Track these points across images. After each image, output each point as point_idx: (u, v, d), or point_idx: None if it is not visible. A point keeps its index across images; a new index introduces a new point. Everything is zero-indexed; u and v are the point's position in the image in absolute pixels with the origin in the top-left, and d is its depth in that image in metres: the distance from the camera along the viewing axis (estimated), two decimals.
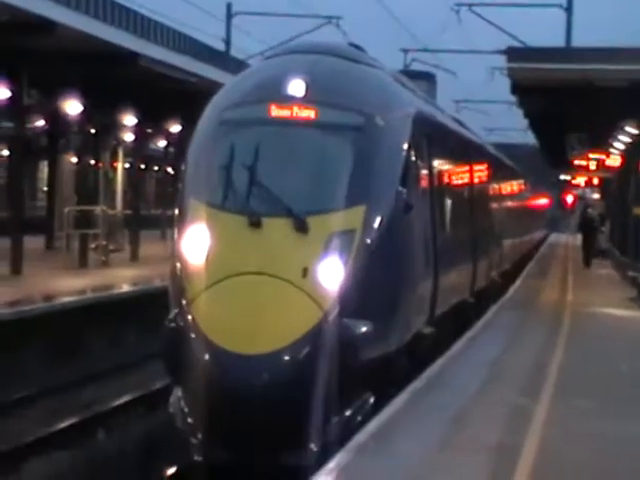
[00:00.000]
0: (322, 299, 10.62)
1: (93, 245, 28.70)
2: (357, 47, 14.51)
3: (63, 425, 15.27)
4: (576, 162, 41.07)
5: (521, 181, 44.18)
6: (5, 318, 17.54)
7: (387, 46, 40.03)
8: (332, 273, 10.79)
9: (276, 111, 11.72)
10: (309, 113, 11.71)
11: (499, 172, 31.58)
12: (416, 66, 38.65)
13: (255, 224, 10.94)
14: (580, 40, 39.15)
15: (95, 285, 22.12)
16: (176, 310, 10.97)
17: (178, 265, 11.33)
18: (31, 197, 39.02)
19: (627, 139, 30.34)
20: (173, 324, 10.84)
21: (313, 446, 10.19)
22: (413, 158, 12.93)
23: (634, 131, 28.36)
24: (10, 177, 28.56)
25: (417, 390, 12.61)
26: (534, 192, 59.28)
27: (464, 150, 21.67)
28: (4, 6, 18.28)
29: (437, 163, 15.94)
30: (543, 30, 39.74)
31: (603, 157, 36.39)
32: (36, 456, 13.92)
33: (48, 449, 14.15)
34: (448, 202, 17.88)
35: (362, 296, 11.04)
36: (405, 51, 43.27)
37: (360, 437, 9.97)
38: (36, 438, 14.46)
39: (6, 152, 29.77)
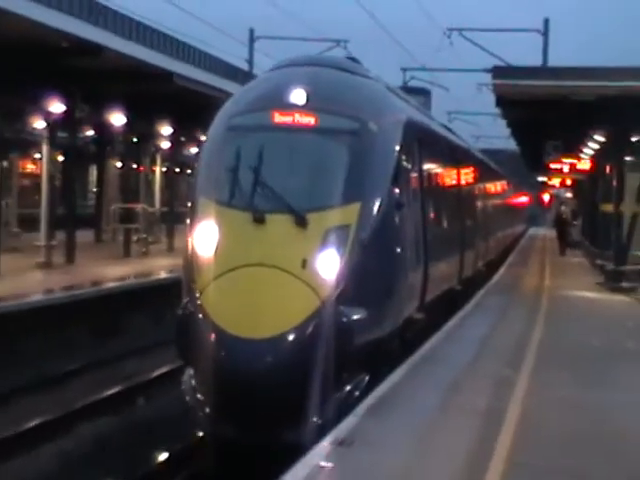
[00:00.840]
0: (320, 288, 10.28)
1: (135, 238, 28.71)
2: (353, 60, 14.15)
3: (109, 393, 15.29)
4: (552, 166, 40.60)
5: (504, 182, 43.93)
6: (61, 301, 17.58)
7: (389, 65, 39.93)
8: (329, 264, 10.46)
9: (279, 118, 11.41)
10: (309, 119, 11.38)
11: (484, 173, 31.01)
12: (414, 83, 38.40)
13: (259, 220, 10.64)
14: (555, 59, 38.92)
15: (137, 272, 22.15)
16: (187, 298, 10.71)
17: (189, 257, 11.06)
18: (82, 197, 38.95)
19: (595, 146, 30.10)
20: (185, 311, 10.57)
21: (311, 423, 9.84)
22: (404, 160, 12.59)
23: (601, 139, 28.09)
24: (64, 179, 28.49)
25: (415, 363, 12.51)
26: (516, 191, 58.91)
27: (452, 153, 21.09)
28: (61, 34, 18.32)
29: (427, 164, 15.45)
30: (523, 51, 39.53)
31: (575, 161, 35.97)
32: (85, 420, 13.95)
33: (95, 414, 14.16)
34: (438, 200, 17.44)
35: (357, 285, 10.67)
36: (404, 70, 43.04)
37: (369, 401, 9.93)
38: (85, 404, 14.49)
39: (61, 158, 29.68)
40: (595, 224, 37.81)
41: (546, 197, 77.57)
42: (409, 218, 12.71)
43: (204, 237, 10.75)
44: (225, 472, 10.15)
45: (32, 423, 13.24)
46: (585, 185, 44.76)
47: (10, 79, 20.46)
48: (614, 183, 28.38)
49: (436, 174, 17.52)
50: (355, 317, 10.41)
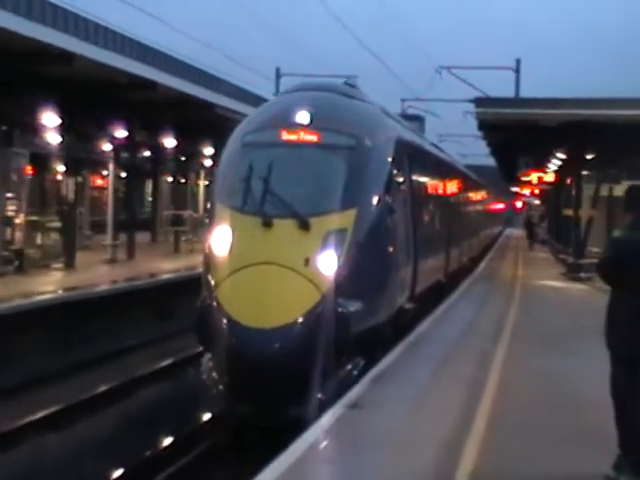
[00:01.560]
0: (320, 283, 9.79)
1: (183, 238, 28.63)
2: (352, 86, 13.44)
3: (163, 364, 15.28)
4: (523, 178, 40.07)
5: (484, 191, 43.47)
6: (124, 290, 17.61)
7: (390, 96, 39.61)
8: (328, 262, 9.96)
9: (286, 135, 10.89)
10: (313, 137, 10.84)
11: (468, 183, 30.44)
12: (411, 111, 37.97)
13: (267, 224, 10.15)
14: (527, 90, 38.74)
15: (185, 266, 22.08)
16: (206, 292, 10.24)
17: (207, 256, 10.60)
18: (140, 205, 38.85)
19: (558, 162, 29.75)
20: (203, 303, 10.12)
21: (314, 400, 9.31)
22: (396, 171, 12.05)
23: (563, 156, 27.80)
24: (126, 191, 28.48)
25: (411, 342, 12.32)
26: (495, 199, 58.45)
27: (438, 166, 20.22)
28: (122, 72, 18.33)
29: (416, 176, 14.74)
30: (500, 85, 39.25)
31: (542, 174, 35.37)
32: (145, 386, 13.96)
33: (153, 381, 14.18)
34: (426, 205, 16.77)
35: (353, 280, 10.15)
36: (403, 100, 42.62)
37: (373, 372, 9.83)
38: (145, 373, 14.51)
39: (123, 174, 29.68)
40: (558, 225, 37.49)
41: (519, 204, 76.87)
42: (400, 221, 12.17)
43: (220, 238, 10.29)
44: (240, 445, 9.78)
45: (102, 388, 13.28)
46: (550, 194, 44.29)
47: (83, 110, 20.52)
48: (573, 192, 28.17)
49: (425, 183, 16.83)
50: (352, 308, 9.93)
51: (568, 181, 31.12)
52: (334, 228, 10.17)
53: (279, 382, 9.37)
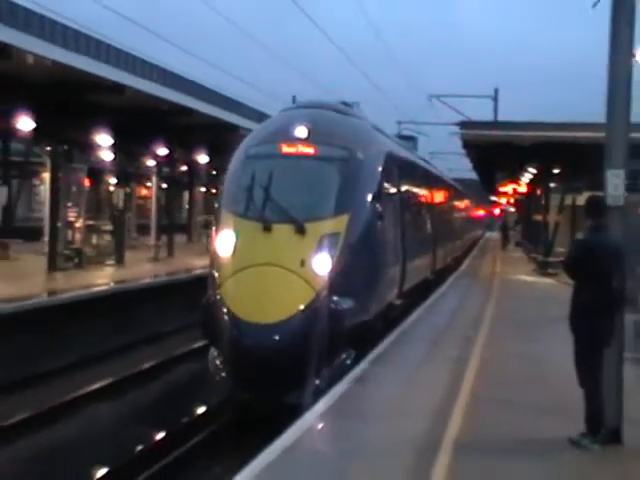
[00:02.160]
0: (315, 283, 9.28)
1: None
2: (347, 104, 12.70)
3: (195, 346, 15.18)
4: (500, 189, 40.21)
5: (467, 200, 43.29)
6: (164, 283, 17.65)
7: (387, 119, 39.61)
8: (323, 264, 9.44)
9: (286, 148, 10.34)
10: (310, 150, 10.29)
11: (452, 193, 30.08)
12: (406, 132, 37.87)
13: (267, 228, 9.63)
14: (504, 115, 38.64)
15: None
16: (210, 291, 9.76)
17: (213, 257, 10.07)
18: (179, 211, 38.88)
19: (530, 175, 29.61)
20: (209, 300, 9.61)
21: (310, 388, 8.84)
22: (386, 181, 11.50)
23: (533, 171, 27.67)
24: (166, 200, 28.53)
25: (405, 328, 12.26)
26: (476, 207, 58.29)
27: (426, 177, 19.55)
28: (164, 100, 18.39)
29: (405, 185, 14.12)
30: (482, 110, 39.26)
31: (516, 186, 35.30)
32: (180, 363, 13.92)
33: (185, 360, 14.05)
34: (414, 212, 16.16)
35: (346, 280, 9.58)
36: (399, 122, 42.55)
37: (374, 354, 9.80)
38: (181, 353, 14.47)
39: (164, 185, 29.76)
40: (530, 229, 37.20)
41: (497, 211, 76.45)
42: (389, 226, 11.58)
43: (224, 241, 9.78)
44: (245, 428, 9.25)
45: (146, 365, 13.30)
46: (523, 202, 43.99)
47: (132, 132, 20.59)
48: (542, 201, 28.08)
49: (413, 192, 16.13)
50: (344, 305, 9.43)
51: (538, 192, 30.90)
52: (328, 232, 9.69)
53: (277, 372, 8.88)
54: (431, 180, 21.42)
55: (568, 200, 26.08)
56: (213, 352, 9.68)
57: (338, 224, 9.81)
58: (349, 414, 7.34)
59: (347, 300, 9.49)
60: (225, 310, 9.21)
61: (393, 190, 12.41)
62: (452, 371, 9.02)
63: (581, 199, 24.96)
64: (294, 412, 7.33)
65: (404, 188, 14.13)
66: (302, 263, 9.33)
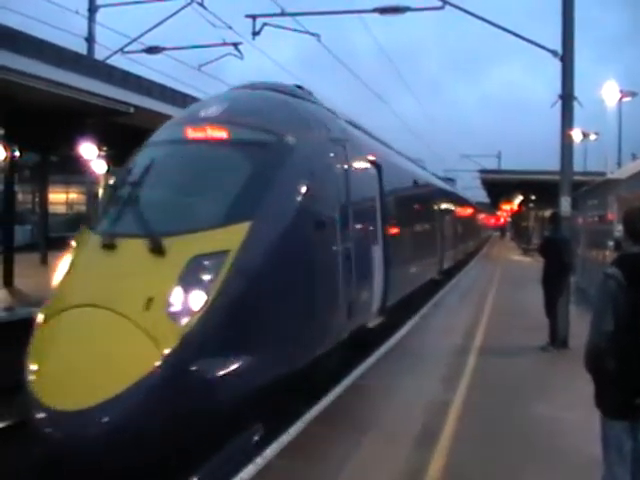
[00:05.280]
0: (164, 337, 5.26)
1: None
2: (299, 87, 9.10)
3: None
4: (502, 207, 51.50)
5: (483, 212, 51.36)
6: None
7: (436, 169, 31.52)
8: (185, 303, 5.47)
9: (191, 132, 6.92)
10: (221, 134, 6.78)
11: (469, 206, 32.71)
12: (447, 174, 40.75)
13: (108, 246, 5.89)
14: (505, 165, 51.25)
15: None
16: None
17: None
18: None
19: (518, 200, 40.04)
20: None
21: None
22: (344, 178, 8.00)
23: (520, 197, 37.94)
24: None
25: (442, 294, 14.14)
26: (489, 217, 68.09)
27: (415, 183, 14.89)
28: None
29: (392, 189, 11.05)
30: (491, 162, 51.02)
31: (511, 206, 45.40)
32: None
33: None
34: (413, 218, 13.59)
35: (233, 327, 5.59)
36: (445, 170, 43.67)
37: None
38: None
39: None
40: (519, 230, 48.82)
41: (501, 220, 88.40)
42: (345, 237, 7.75)
43: (60, 267, 6.16)
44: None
45: None
46: (515, 215, 54.28)
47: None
48: (525, 215, 40.89)
49: (405, 199, 12.87)
50: (222, 369, 5.45)
51: (523, 209, 42.37)
52: (205, 252, 5.76)
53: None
54: (437, 192, 19.04)
55: (540, 214, 35.82)
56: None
57: (228, 237, 5.92)
58: (422, 330, 10.04)
59: (234, 358, 5.59)
60: (29, 392, 5.34)
61: (366, 190, 9.27)
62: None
63: (547, 213, 26.02)
64: None
65: (398, 193, 11.87)
66: (148, 304, 5.46)
